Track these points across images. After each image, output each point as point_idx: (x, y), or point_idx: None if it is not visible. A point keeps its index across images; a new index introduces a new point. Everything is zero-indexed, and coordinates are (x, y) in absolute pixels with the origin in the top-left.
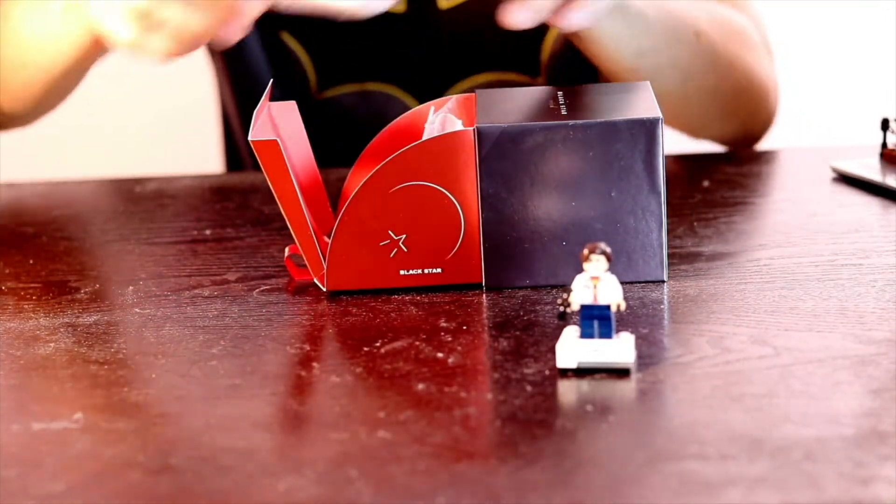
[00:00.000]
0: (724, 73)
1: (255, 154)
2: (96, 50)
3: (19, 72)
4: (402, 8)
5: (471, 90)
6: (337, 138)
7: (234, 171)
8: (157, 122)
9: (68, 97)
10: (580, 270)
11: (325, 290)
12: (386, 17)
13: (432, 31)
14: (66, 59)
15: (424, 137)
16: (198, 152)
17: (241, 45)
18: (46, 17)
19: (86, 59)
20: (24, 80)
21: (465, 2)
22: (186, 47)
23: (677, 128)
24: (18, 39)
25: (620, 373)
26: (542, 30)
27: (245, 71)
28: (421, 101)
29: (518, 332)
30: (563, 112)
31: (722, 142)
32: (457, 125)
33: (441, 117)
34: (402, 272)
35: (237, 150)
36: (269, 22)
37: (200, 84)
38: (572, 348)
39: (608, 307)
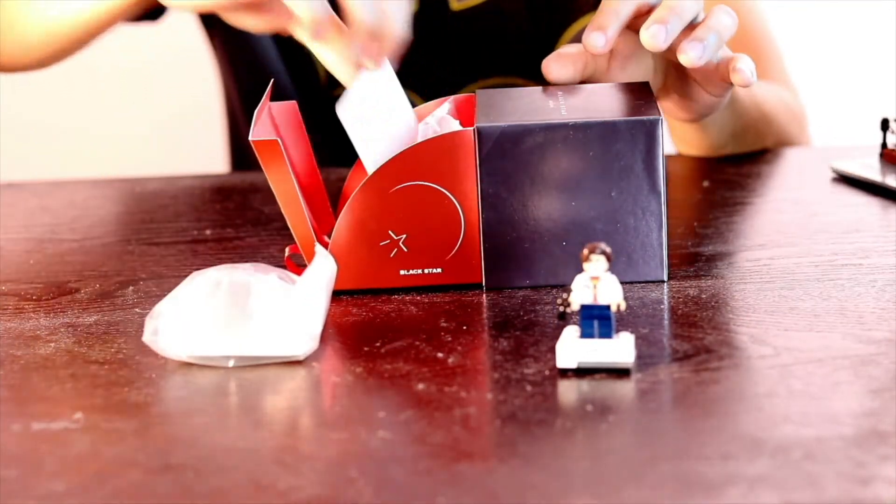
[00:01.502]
0: (776, 145)
1: (256, 154)
2: (116, 14)
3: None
4: (413, 8)
5: None
6: (346, 135)
7: (240, 170)
8: (159, 122)
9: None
10: (580, 270)
11: None
12: None
13: (443, 32)
14: (83, 21)
15: (420, 138)
16: (200, 152)
17: (247, 38)
18: None
19: (102, 23)
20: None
21: (476, 4)
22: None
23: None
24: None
25: (620, 373)
26: (554, 36)
27: (251, 65)
28: None
29: (518, 332)
30: (563, 112)
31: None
32: (455, 126)
33: (437, 118)
34: (402, 272)
35: (243, 148)
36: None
37: (203, 84)
38: (572, 348)
39: (608, 307)
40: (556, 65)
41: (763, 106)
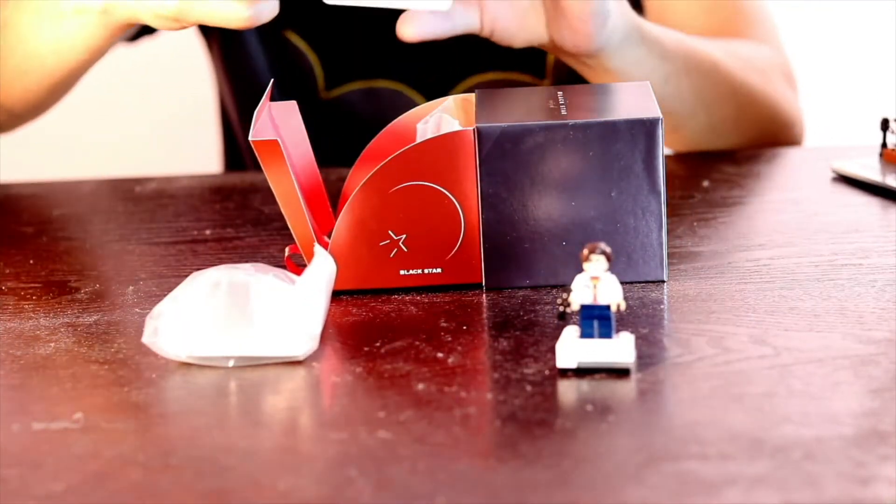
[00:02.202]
0: (745, 103)
1: (256, 154)
2: (107, 45)
3: (22, 78)
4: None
5: (474, 89)
6: (345, 136)
7: (233, 171)
8: (156, 122)
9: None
10: (580, 270)
11: None
12: (394, 14)
13: None
14: (78, 60)
15: (418, 139)
16: (198, 152)
17: (240, 43)
18: (57, 23)
19: (95, 56)
20: (27, 85)
21: None
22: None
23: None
24: (25, 48)
25: (620, 373)
26: None
27: (244, 70)
28: (429, 99)
29: (518, 332)
30: (563, 112)
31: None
32: (454, 125)
33: (436, 118)
34: (402, 272)
35: (237, 149)
36: (272, 21)
37: (200, 84)
38: (572, 348)
39: (608, 307)
40: (409, 24)
41: (699, 55)
